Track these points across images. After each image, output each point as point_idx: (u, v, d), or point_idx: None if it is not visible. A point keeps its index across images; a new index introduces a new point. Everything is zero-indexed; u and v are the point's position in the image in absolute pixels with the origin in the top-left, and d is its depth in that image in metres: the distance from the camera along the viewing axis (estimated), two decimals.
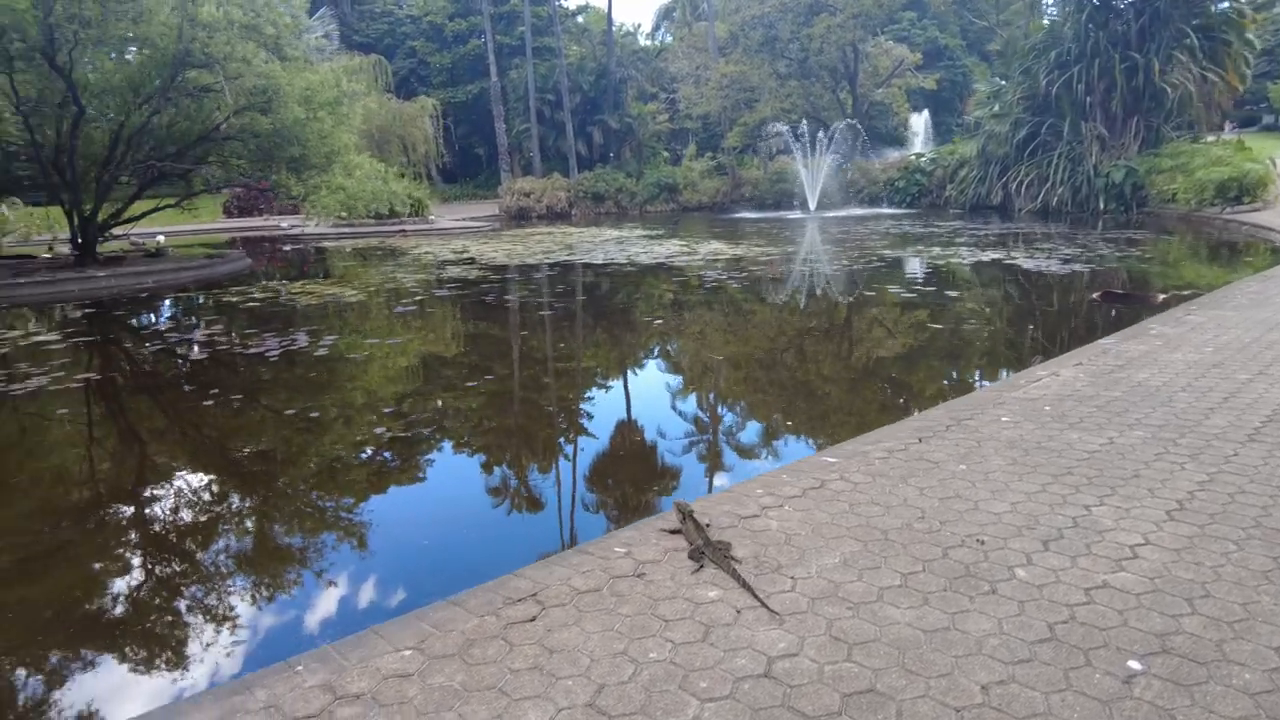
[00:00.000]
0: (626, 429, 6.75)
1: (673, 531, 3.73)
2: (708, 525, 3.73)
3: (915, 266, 15.98)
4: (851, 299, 12.42)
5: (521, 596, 3.20)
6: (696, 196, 41.07)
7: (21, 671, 3.45)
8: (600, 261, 18.16)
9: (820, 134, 36.35)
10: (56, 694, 3.29)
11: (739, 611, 2.99)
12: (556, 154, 46.11)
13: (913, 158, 37.23)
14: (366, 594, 4.04)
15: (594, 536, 4.03)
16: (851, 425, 6.24)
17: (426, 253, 21.25)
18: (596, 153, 47.08)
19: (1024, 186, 29.01)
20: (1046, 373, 6.38)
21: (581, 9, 55.94)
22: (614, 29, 47.83)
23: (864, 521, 3.74)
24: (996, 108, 31.95)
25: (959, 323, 10.05)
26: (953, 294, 12.27)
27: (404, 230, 29.51)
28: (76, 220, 16.99)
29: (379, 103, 35.90)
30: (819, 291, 13.50)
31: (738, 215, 35.80)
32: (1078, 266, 14.37)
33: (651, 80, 51.75)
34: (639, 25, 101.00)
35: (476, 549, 4.61)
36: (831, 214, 32.96)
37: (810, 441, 6.23)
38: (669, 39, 59.01)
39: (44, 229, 21.26)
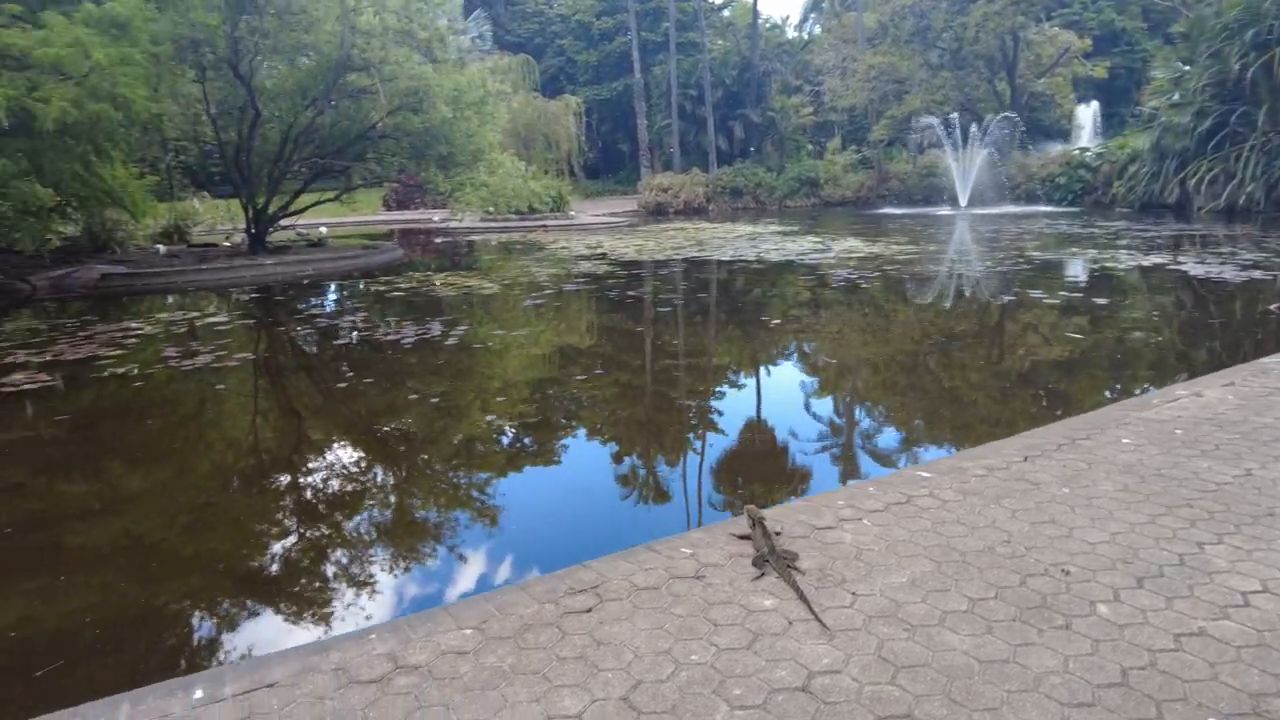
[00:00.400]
0: (727, 428, 6.73)
1: (742, 537, 3.73)
2: (778, 533, 3.70)
3: (1066, 270, 14.88)
4: (988, 303, 11.75)
5: (583, 587, 3.31)
6: (839, 191, 39.93)
7: (189, 612, 3.93)
8: (728, 258, 18.09)
9: (974, 127, 34.41)
10: (188, 629, 3.73)
11: (790, 623, 2.96)
12: (697, 149, 46.22)
13: (1076, 152, 34.48)
14: (461, 571, 4.29)
15: (674, 532, 4.07)
16: (958, 439, 5.96)
17: (563, 247, 21.93)
18: (737, 147, 46.81)
19: (1204, 183, 26.14)
20: (1187, 392, 5.81)
21: (727, 3, 55.63)
22: (759, 22, 47.30)
23: (943, 541, 3.59)
24: (1176, 96, 28.94)
25: (1102, 333, 9.30)
26: (1101, 301, 11.34)
27: (545, 225, 30.59)
28: (251, 212, 18.84)
29: (524, 101, 37.29)
30: (954, 293, 12.85)
31: (882, 211, 34.61)
32: (1259, 274, 12.89)
33: (796, 73, 50.76)
34: (786, 18, 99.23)
35: (568, 536, 4.77)
36: (983, 211, 31.22)
37: (913, 453, 5.99)
38: (817, 30, 57.53)
39: (226, 220, 23.77)
